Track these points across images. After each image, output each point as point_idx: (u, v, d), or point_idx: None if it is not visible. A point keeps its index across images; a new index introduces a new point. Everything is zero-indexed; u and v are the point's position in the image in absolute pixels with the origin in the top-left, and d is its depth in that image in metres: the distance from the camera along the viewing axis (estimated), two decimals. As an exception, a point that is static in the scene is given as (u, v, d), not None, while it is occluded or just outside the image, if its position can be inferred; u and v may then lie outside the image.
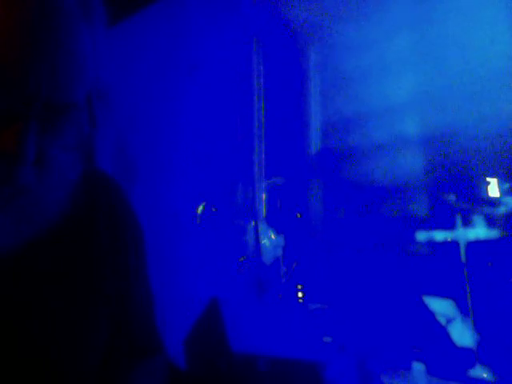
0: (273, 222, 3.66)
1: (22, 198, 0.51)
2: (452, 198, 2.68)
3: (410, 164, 3.15)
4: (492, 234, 2.59)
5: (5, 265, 0.57)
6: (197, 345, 2.47)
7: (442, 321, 2.70)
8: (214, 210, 3.44)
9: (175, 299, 2.96)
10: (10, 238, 0.53)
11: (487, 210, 2.62)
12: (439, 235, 2.78)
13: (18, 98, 0.47)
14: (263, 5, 3.77)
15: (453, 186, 2.81)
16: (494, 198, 2.62)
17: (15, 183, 0.49)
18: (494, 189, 2.61)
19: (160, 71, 3.40)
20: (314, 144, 3.86)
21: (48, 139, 0.51)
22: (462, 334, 2.64)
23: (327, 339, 2.77)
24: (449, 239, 2.71)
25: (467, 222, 2.65)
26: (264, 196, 3.70)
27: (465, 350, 2.61)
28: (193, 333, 2.52)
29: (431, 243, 2.88)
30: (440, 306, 2.77)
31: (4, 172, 0.48)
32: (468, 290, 2.56)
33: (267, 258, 3.48)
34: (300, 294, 3.38)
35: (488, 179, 2.60)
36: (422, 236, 2.90)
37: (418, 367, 2.65)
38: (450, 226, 2.72)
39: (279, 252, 3.57)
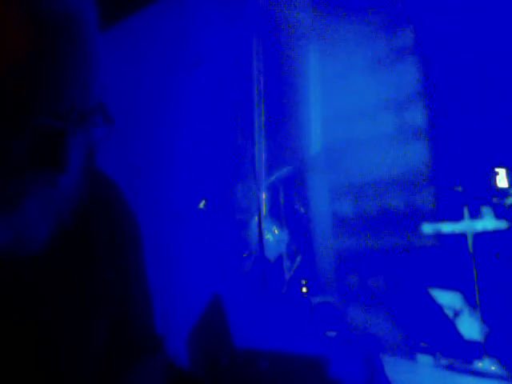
0: (276, 218, 3.65)
1: (51, 191, 0.56)
2: (459, 188, 2.65)
3: (416, 155, 3.13)
4: (500, 224, 2.56)
5: (34, 261, 0.59)
6: (200, 341, 2.46)
7: (450, 313, 2.68)
8: (204, 203, 3.44)
9: (178, 296, 2.95)
10: (43, 232, 0.57)
11: (495, 200, 2.59)
12: (447, 227, 2.75)
13: (57, 116, 0.51)
14: (264, 3, 3.76)
15: (460, 177, 2.78)
16: (502, 188, 2.59)
17: (57, 186, 0.56)
18: (502, 179, 2.58)
19: (161, 70, 3.39)
20: (316, 139, 3.85)
21: (75, 142, 0.56)
22: (470, 327, 2.62)
23: (331, 333, 2.75)
24: (456, 231, 2.69)
25: (475, 213, 2.63)
26: (266, 192, 3.68)
27: (472, 343, 2.59)
28: (196, 329, 2.51)
29: (438, 235, 2.85)
30: (448, 299, 2.75)
31: (49, 180, 0.54)
32: (476, 281, 2.53)
33: (271, 253, 3.47)
34: (304, 289, 3.37)
35: (496, 169, 2.57)
36: (429, 228, 2.88)
37: (425, 360, 2.64)
38: (457, 217, 2.70)
39: (283, 247, 3.56)
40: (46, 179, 0.54)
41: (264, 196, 3.60)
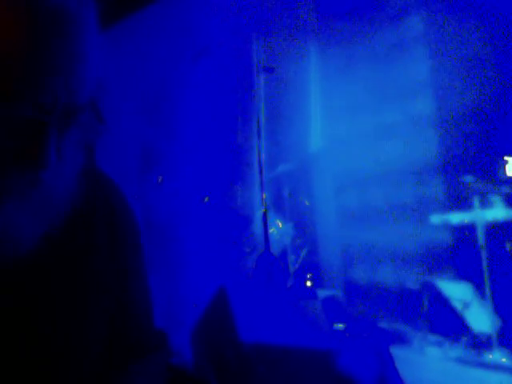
0: (280, 211, 3.64)
1: (37, 190, 0.54)
2: (469, 178, 2.62)
3: (426, 145, 3.11)
4: (510, 214, 2.53)
5: (22, 262, 0.57)
6: (205, 335, 2.46)
7: (459, 305, 2.65)
8: (208, 198, 3.45)
9: (183, 290, 2.95)
10: (28, 233, 0.56)
11: (505, 189, 2.56)
12: (456, 217, 2.73)
13: (39, 107, 0.50)
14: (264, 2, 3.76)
15: (470, 166, 2.75)
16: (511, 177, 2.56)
17: (39, 184, 0.53)
18: (511, 168, 2.55)
19: (164, 62, 3.40)
20: (320, 131, 3.84)
21: (63, 139, 0.54)
22: (480, 318, 2.60)
23: (340, 327, 2.75)
24: (466, 221, 2.66)
25: (485, 203, 2.59)
26: (271, 185, 3.67)
27: (482, 334, 2.57)
28: (201, 323, 2.50)
29: (448, 225, 2.82)
30: (458, 290, 2.73)
31: (30, 176, 0.52)
32: (486, 272, 2.50)
33: (275, 247, 3.45)
34: (309, 283, 3.37)
35: (506, 158, 2.54)
36: (438, 218, 2.85)
37: (434, 352, 2.63)
38: (467, 207, 2.67)
39: (287, 241, 3.55)
40: (27, 176, 0.52)
41: (267, 191, 3.59)
